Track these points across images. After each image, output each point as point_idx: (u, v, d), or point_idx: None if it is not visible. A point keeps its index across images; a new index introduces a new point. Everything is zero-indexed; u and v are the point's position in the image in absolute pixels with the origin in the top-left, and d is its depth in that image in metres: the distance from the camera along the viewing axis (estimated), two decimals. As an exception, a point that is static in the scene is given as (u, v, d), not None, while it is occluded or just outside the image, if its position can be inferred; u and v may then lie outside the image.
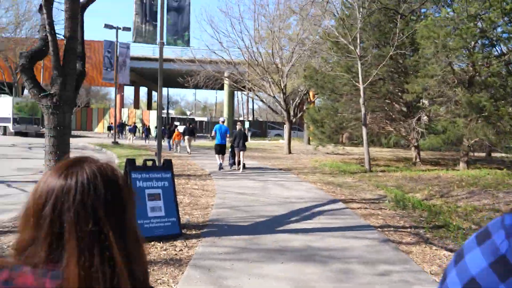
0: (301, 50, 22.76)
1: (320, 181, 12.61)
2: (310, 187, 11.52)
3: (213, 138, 15.74)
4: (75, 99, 6.37)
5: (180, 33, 14.37)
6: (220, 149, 14.85)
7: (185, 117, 67.19)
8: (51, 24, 5.99)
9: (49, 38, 5.93)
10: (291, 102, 25.49)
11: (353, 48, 15.61)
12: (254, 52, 23.79)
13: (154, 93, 62.27)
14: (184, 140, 21.63)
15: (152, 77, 49.88)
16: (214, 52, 25.36)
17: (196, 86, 29.32)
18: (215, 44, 24.98)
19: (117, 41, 27.85)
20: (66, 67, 6.03)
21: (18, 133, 31.71)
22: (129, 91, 59.70)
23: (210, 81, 26.86)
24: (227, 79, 28.29)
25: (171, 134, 22.90)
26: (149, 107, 57.37)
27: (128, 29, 26.13)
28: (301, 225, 7.14)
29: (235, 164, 15.01)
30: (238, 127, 15.07)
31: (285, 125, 25.29)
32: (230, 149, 15.16)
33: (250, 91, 27.86)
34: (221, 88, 41.75)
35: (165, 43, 14.18)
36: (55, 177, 0.87)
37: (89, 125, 45.37)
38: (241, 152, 14.46)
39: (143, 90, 62.57)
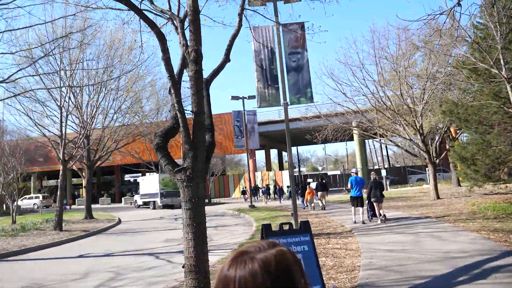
0: (433, 85, 20.94)
1: (484, 229, 10.64)
2: (474, 236, 9.73)
3: (349, 190, 15.27)
4: (206, 170, 6.37)
5: (302, 91, 14.31)
6: (357, 201, 14.19)
7: (317, 173, 66.95)
8: (179, 102, 6.26)
9: (179, 115, 6.17)
10: (430, 142, 23.28)
11: (496, 71, 13.66)
12: (381, 97, 22.67)
13: (285, 153, 63.75)
14: (317, 196, 21.12)
15: (280, 139, 51.25)
16: (339, 104, 24.90)
17: (325, 141, 28.79)
18: (339, 96, 24.48)
19: (244, 109, 29.38)
20: (196, 140, 6.13)
21: (165, 206, 34.53)
22: (260, 154, 62.20)
23: (339, 133, 26.17)
24: (355, 128, 27.37)
25: (304, 192, 22.60)
26: (281, 167, 58.61)
27: (253, 97, 27.40)
28: (473, 286, 5.79)
29: (375, 216, 14.17)
30: (372, 177, 14.51)
31: (427, 168, 22.97)
32: (367, 201, 14.48)
33: (382, 137, 26.36)
34: (351, 138, 40.72)
35: (289, 103, 14.24)
36: (226, 270, 0.94)
37: (227, 191, 47.78)
38: (380, 203, 13.78)
39: (274, 152, 64.71)
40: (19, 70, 14.03)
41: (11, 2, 11.55)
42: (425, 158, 22.01)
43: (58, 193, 18.75)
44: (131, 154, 41.99)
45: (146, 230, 18.80)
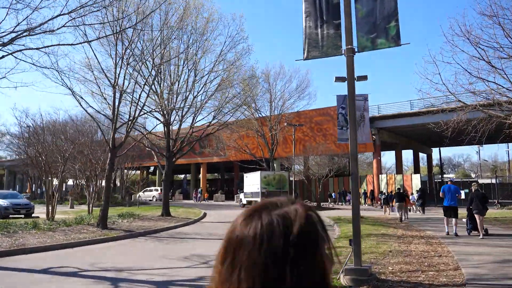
0: None
1: None
2: None
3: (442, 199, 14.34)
4: None
5: (380, 26, 8.67)
6: (450, 212, 13.43)
7: (465, 180, 55.83)
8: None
9: None
10: None
11: None
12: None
13: (422, 155, 54.43)
14: (394, 207, 20.43)
15: (416, 136, 43.11)
16: (481, 78, 17.20)
17: (457, 134, 20.89)
18: (483, 68, 16.84)
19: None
20: None
21: None
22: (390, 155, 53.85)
23: (481, 125, 18.51)
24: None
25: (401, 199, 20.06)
26: (417, 171, 49.54)
27: (364, 77, 21.54)
28: None
29: (475, 229, 13.10)
30: (473, 188, 13.74)
31: None
32: (467, 213, 13.65)
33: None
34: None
35: (356, 50, 8.84)
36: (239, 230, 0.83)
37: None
38: (479, 216, 12.71)
39: (409, 154, 55.69)
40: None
41: None
42: None
43: (104, 184, 16.17)
44: (243, 150, 39.29)
45: (201, 237, 15.05)
